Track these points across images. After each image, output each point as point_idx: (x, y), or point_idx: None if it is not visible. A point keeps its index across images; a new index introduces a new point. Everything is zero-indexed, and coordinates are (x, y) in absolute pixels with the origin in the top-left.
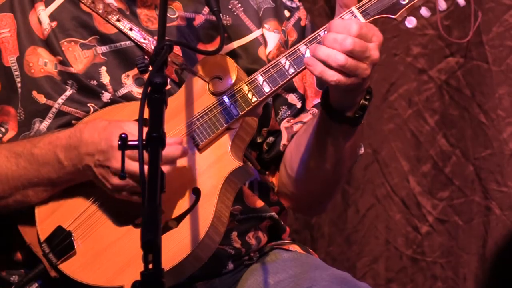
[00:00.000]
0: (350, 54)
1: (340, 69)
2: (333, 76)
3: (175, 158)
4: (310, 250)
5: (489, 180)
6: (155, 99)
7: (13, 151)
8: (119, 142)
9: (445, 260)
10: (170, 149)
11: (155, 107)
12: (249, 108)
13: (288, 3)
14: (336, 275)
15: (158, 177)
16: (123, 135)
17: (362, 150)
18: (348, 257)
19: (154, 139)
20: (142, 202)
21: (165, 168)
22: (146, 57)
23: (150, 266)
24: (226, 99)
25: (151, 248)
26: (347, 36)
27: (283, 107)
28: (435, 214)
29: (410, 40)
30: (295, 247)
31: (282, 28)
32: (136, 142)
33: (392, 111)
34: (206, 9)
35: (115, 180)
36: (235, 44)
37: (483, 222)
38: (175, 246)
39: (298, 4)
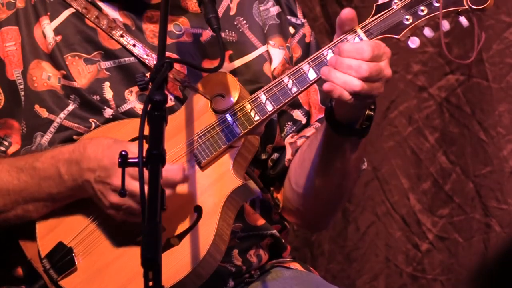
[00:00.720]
0: (366, 80)
1: (357, 94)
2: (349, 98)
3: (175, 182)
4: (311, 268)
5: (489, 197)
6: (155, 117)
7: (14, 165)
8: (119, 160)
9: (445, 278)
10: (171, 173)
11: (155, 125)
12: (251, 126)
13: (293, 20)
14: None
15: (159, 195)
16: (123, 153)
17: (365, 165)
18: (348, 274)
19: (154, 157)
20: (142, 220)
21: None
22: (146, 74)
23: (151, 283)
24: (228, 117)
25: (151, 265)
26: (362, 62)
27: (289, 123)
28: (435, 231)
29: (410, 57)
30: (295, 265)
31: (287, 44)
32: (136, 160)
33: (392, 129)
34: None
35: (113, 198)
36: (240, 61)
37: (483, 239)
38: (177, 264)
39: (303, 20)
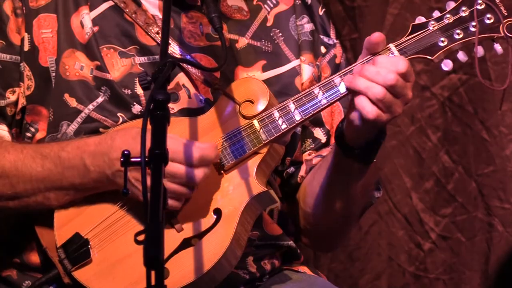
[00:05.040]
0: (390, 89)
1: (378, 103)
2: (372, 110)
3: (211, 159)
4: (319, 272)
5: (492, 196)
6: (157, 116)
7: (39, 152)
8: (122, 159)
9: (448, 277)
10: (207, 151)
11: (157, 124)
12: (278, 134)
13: (325, 40)
14: None
15: (161, 194)
16: (125, 152)
17: (380, 193)
18: (351, 274)
19: (157, 156)
20: (147, 218)
21: (202, 171)
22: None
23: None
24: (256, 123)
25: (154, 265)
26: (392, 71)
27: (308, 140)
28: (438, 230)
29: None
30: (304, 269)
31: (317, 63)
32: (139, 159)
33: (394, 128)
34: (249, 33)
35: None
36: (272, 72)
37: (485, 238)
38: (192, 264)
39: (335, 41)
